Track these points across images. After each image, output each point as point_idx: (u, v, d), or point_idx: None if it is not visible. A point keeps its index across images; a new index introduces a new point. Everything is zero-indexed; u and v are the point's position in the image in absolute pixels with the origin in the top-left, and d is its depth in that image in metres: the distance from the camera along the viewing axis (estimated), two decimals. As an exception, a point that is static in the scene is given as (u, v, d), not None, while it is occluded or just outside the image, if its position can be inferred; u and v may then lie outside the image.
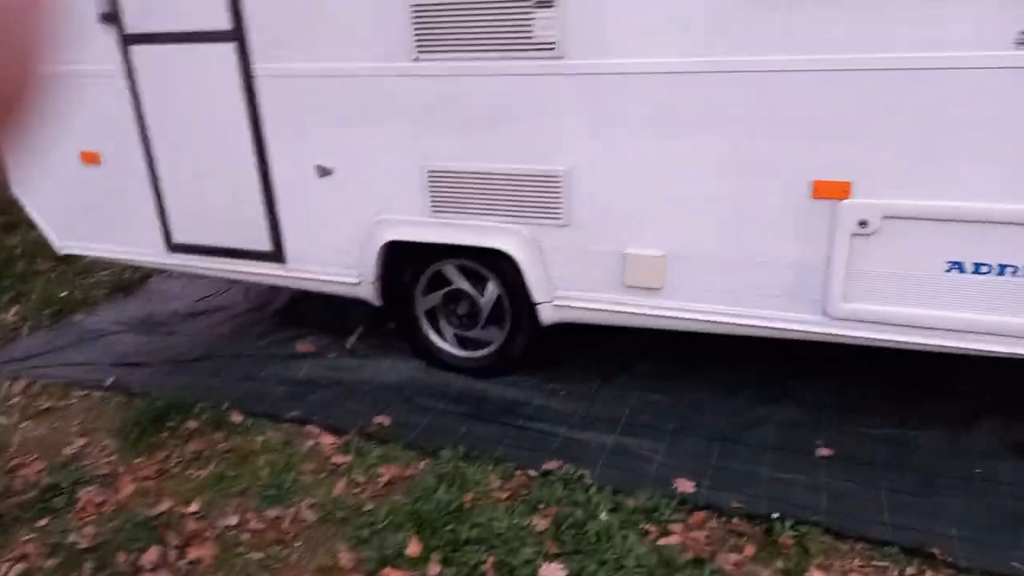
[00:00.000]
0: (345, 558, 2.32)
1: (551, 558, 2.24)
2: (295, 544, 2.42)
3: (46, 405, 3.38)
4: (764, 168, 2.53)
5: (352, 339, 3.74)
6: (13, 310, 4.44)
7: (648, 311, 2.88)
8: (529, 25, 2.61)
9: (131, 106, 3.37)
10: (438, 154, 2.94)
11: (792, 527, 2.33)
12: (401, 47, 2.81)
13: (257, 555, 2.38)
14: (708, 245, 2.71)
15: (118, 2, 3.18)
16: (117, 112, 3.39)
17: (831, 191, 2.48)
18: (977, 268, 2.39)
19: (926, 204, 2.38)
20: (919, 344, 2.55)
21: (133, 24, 3.20)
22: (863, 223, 2.46)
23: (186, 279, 4.61)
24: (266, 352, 3.73)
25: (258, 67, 3.07)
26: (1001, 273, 2.37)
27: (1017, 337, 2.41)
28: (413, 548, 2.32)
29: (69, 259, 4.04)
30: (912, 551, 2.22)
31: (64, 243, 3.91)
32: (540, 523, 2.40)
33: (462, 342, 3.41)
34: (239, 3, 2.98)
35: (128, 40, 3.24)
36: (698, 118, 2.55)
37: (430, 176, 2.99)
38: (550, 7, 2.56)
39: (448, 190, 2.98)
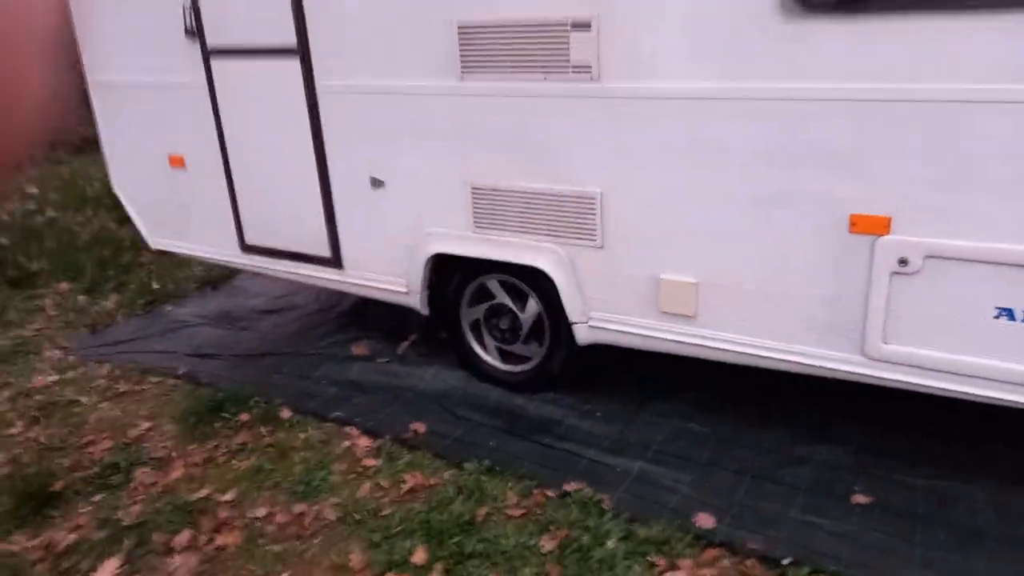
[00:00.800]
0: (355, 559, 2.42)
1: (551, 581, 2.25)
2: (313, 541, 2.54)
3: (123, 389, 3.68)
4: (800, 199, 2.44)
5: (404, 346, 3.87)
6: (113, 298, 4.86)
7: (681, 338, 2.84)
8: (566, 48, 2.63)
9: (211, 115, 3.62)
10: (481, 171, 3.01)
11: (808, 575, 2.24)
12: (448, 66, 2.89)
13: (277, 548, 2.51)
14: (742, 275, 2.64)
15: (201, 18, 3.43)
16: (200, 120, 3.66)
17: (870, 226, 2.37)
18: (1032, 316, 2.22)
19: (973, 245, 2.23)
20: (964, 393, 2.39)
21: (213, 39, 3.45)
22: (903, 261, 2.33)
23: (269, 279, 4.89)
24: (324, 352, 3.92)
25: (320, 82, 3.24)
26: (1060, 323, 2.19)
27: (1075, 393, 2.22)
28: (419, 556, 2.39)
29: (167, 253, 4.36)
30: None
31: (156, 239, 4.25)
32: (547, 544, 2.41)
33: (504, 356, 3.46)
34: (304, 21, 3.15)
35: (209, 53, 3.49)
36: (732, 144, 2.49)
37: (473, 192, 3.06)
38: (587, 30, 2.57)
39: (490, 206, 3.04)
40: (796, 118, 2.36)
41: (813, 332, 2.58)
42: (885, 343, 2.45)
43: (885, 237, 2.35)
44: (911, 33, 2.13)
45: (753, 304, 2.66)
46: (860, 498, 2.55)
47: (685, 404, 3.18)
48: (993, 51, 2.05)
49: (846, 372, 2.57)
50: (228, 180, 3.72)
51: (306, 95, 3.28)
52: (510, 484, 2.73)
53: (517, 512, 2.59)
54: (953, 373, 2.38)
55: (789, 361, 2.67)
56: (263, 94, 3.42)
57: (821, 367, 2.61)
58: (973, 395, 2.38)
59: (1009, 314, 2.24)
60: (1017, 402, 2.31)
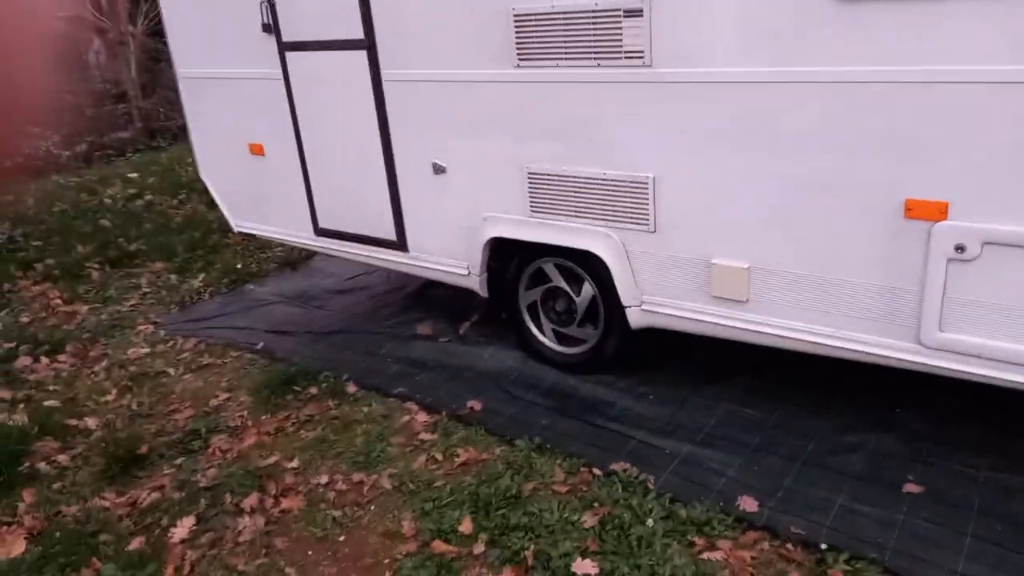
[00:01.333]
0: (407, 527, 2.56)
1: (589, 555, 2.33)
2: (369, 508, 2.70)
3: (207, 362, 3.95)
4: (853, 184, 2.40)
5: (466, 326, 3.99)
6: (201, 277, 5.19)
7: (733, 323, 2.84)
8: (619, 34, 2.66)
9: (287, 105, 3.82)
10: (537, 157, 3.08)
11: (847, 561, 2.23)
12: (504, 55, 2.96)
13: (336, 513, 2.68)
14: (794, 260, 2.62)
15: (276, 14, 3.62)
16: (276, 110, 3.86)
17: (926, 212, 2.31)
18: (1095, 305, 2.13)
19: (1034, 231, 2.15)
20: (1022, 383, 2.31)
21: (288, 33, 3.63)
22: (960, 248, 2.27)
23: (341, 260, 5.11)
24: (390, 331, 4.09)
25: (385, 72, 3.37)
26: (1123, 313, 2.09)
27: None
28: (466, 526, 2.51)
29: (249, 236, 4.64)
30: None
31: (238, 222, 4.51)
32: (589, 520, 2.48)
33: (560, 338, 3.53)
34: (370, 15, 3.28)
35: (284, 47, 3.68)
36: (784, 129, 2.47)
37: (530, 177, 3.13)
38: (639, 16, 2.59)
39: (546, 192, 3.11)
40: (848, 102, 2.33)
41: (866, 319, 2.54)
42: (941, 331, 2.39)
43: (942, 223, 2.29)
44: (965, 13, 2.06)
45: (805, 290, 2.64)
46: (912, 487, 2.51)
47: (738, 389, 3.18)
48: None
49: (900, 360, 2.53)
50: (303, 167, 3.92)
51: (372, 86, 3.42)
52: (559, 462, 2.81)
53: (563, 488, 2.67)
54: (1011, 363, 2.31)
55: (842, 348, 2.63)
56: (334, 85, 3.58)
57: (875, 354, 2.57)
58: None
59: (1072, 303, 2.16)
60: (1081, 395, 2.22)
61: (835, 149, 2.40)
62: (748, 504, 2.52)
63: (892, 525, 2.38)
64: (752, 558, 2.29)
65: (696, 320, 2.94)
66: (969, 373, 2.40)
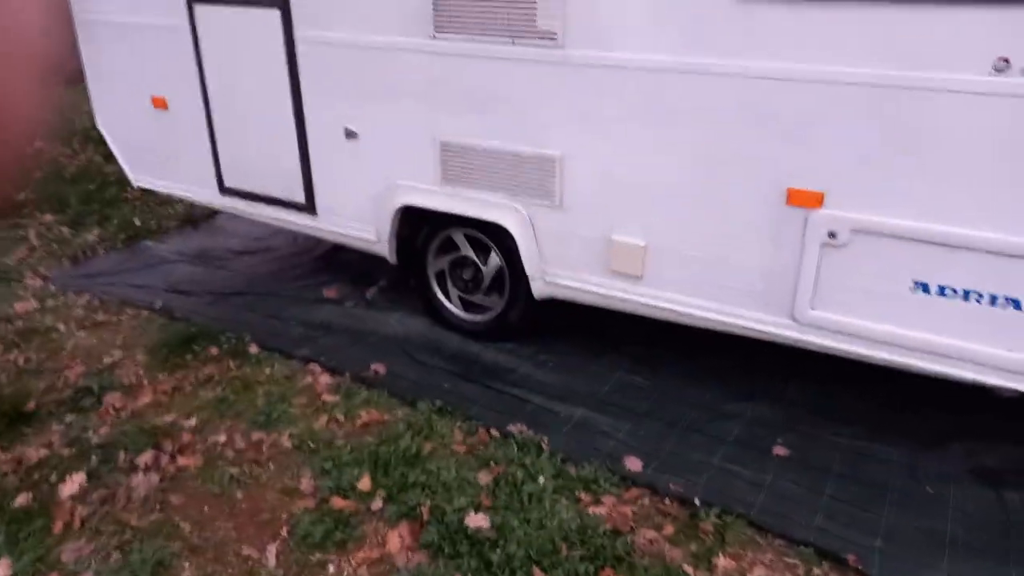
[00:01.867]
0: (305, 484, 2.61)
1: (482, 510, 2.44)
2: (268, 466, 2.72)
3: (101, 319, 3.83)
4: (742, 171, 2.58)
5: (372, 291, 4.02)
6: (95, 231, 4.97)
7: (629, 297, 3.00)
8: (534, 14, 2.73)
9: (193, 59, 3.70)
10: (449, 128, 3.13)
11: (717, 515, 2.44)
12: (420, 24, 2.99)
13: (234, 470, 2.69)
14: (687, 239, 2.79)
15: (185, -38, 3.50)
16: (182, 64, 3.74)
17: (805, 200, 2.51)
18: (942, 291, 2.38)
19: (893, 222, 2.38)
20: (882, 360, 2.57)
21: (197, -16, 3.51)
22: (833, 234, 2.49)
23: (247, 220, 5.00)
24: (295, 294, 4.07)
25: (298, 33, 3.32)
26: (965, 298, 2.35)
27: (978, 364, 2.40)
28: (364, 483, 2.58)
29: (152, 191, 4.45)
30: (826, 554, 2.29)
31: (138, 177, 4.35)
32: (484, 478, 2.60)
33: (466, 305, 3.62)
34: (284, -28, 3.22)
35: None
36: (682, 116, 2.62)
37: (442, 148, 3.18)
38: (552, -3, 2.67)
39: (457, 163, 3.17)
40: (741, 95, 2.49)
41: (748, 296, 2.74)
42: (812, 309, 2.62)
43: (818, 211, 2.50)
44: (853, 20, 2.25)
45: (695, 267, 2.81)
46: (780, 451, 2.74)
47: (632, 358, 3.35)
48: (930, 39, 2.17)
49: (777, 335, 2.74)
50: (208, 124, 3.82)
51: (285, 45, 3.37)
52: (458, 423, 2.91)
53: (461, 449, 2.77)
54: (873, 340, 2.55)
55: (726, 323, 2.83)
56: (245, 43, 3.50)
57: (755, 329, 2.78)
58: (890, 361, 2.55)
59: (924, 288, 2.41)
60: (929, 369, 2.49)
61: (728, 138, 2.56)
62: (633, 464, 2.69)
63: (760, 485, 2.60)
64: (633, 512, 2.46)
65: (595, 293, 3.08)
66: (836, 348, 2.64)
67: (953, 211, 2.30)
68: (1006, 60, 2.10)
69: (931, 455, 2.72)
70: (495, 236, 3.28)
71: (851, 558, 2.26)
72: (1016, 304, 2.26)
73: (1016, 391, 2.36)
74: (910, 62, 2.22)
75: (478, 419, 2.95)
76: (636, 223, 2.87)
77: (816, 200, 2.50)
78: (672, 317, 2.95)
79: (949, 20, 2.14)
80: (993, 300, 2.29)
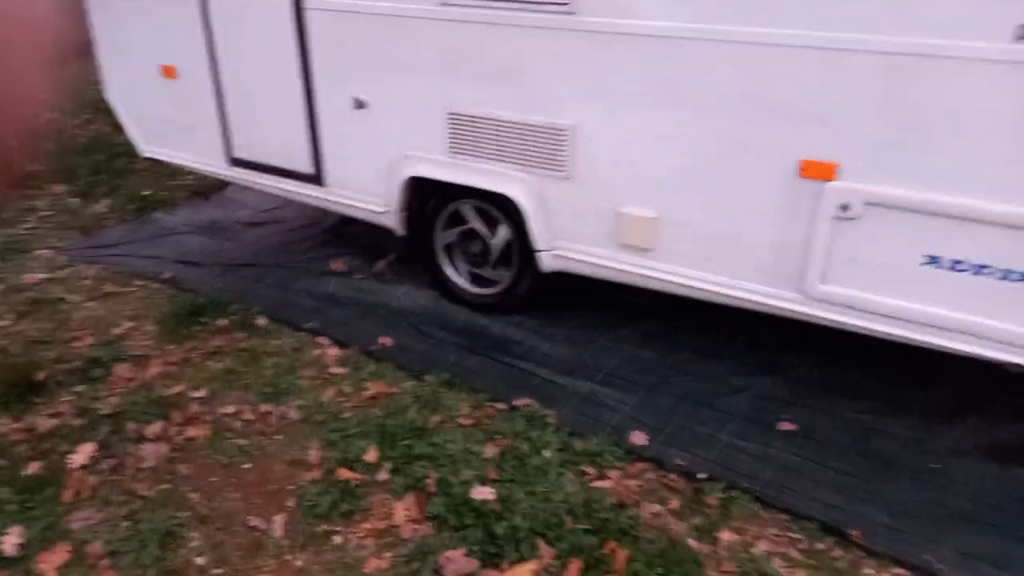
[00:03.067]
0: (312, 455, 2.62)
1: (488, 483, 2.45)
2: (276, 437, 2.74)
3: (110, 290, 3.84)
4: (756, 142, 2.54)
5: (381, 264, 4.01)
6: (105, 202, 4.98)
7: (638, 270, 2.97)
8: (542, -21, 2.68)
9: (202, 27, 3.66)
10: (458, 98, 3.09)
11: (722, 490, 2.43)
12: (428, -10, 2.94)
13: (242, 441, 2.71)
14: (698, 212, 2.75)
15: (190, -71, 3.45)
16: (191, 32, 3.70)
17: (817, 172, 2.47)
18: (954, 265, 2.34)
19: (907, 195, 2.34)
20: (892, 335, 2.54)
21: (202, -50, 3.47)
22: (845, 207, 2.45)
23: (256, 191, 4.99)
24: (304, 266, 4.06)
25: (308, 1, 3.28)
26: (978, 273, 2.31)
27: (989, 339, 2.37)
28: (371, 455, 2.59)
29: (158, 161, 4.45)
30: (829, 528, 2.28)
31: (147, 147, 4.34)
32: (490, 451, 2.60)
33: (473, 278, 3.60)
34: (290, -63, 3.17)
35: (198, -35, 3.51)
36: (699, 86, 2.57)
37: (450, 118, 3.14)
38: (562, -38, 2.61)
39: (466, 133, 3.13)
40: (760, 63, 2.44)
41: (759, 270, 2.71)
42: (823, 284, 2.58)
43: (831, 183, 2.45)
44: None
45: (706, 240, 2.78)
46: (786, 425, 2.73)
47: (640, 332, 3.34)
48: (948, 6, 2.11)
49: (786, 309, 2.71)
50: (217, 94, 3.79)
51: (295, 13, 3.32)
52: (465, 396, 2.91)
53: (468, 422, 2.77)
54: (883, 315, 2.52)
55: (736, 297, 2.81)
56: (254, 10, 3.45)
57: (764, 303, 2.75)
58: (900, 336, 2.52)
59: (936, 262, 2.37)
60: (939, 345, 2.46)
61: (744, 108, 2.51)
62: (639, 438, 2.69)
63: (766, 459, 2.59)
64: (638, 486, 2.47)
65: (604, 266, 3.06)
66: (846, 323, 2.61)
67: (967, 183, 2.25)
68: (1029, 28, 2.04)
69: (939, 430, 2.71)
70: (504, 208, 3.25)
71: (855, 533, 2.26)
72: (1032, 279, 2.22)
73: (1028, 368, 2.33)
74: (927, 29, 2.16)
75: (485, 392, 2.95)
76: (647, 195, 2.83)
77: (829, 172, 2.45)
78: (681, 291, 2.92)
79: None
80: (1006, 275, 2.25)
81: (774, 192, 2.57)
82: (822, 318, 2.65)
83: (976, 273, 2.31)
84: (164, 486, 2.53)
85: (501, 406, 2.87)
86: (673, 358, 3.17)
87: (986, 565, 2.17)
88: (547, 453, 2.58)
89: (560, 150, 2.94)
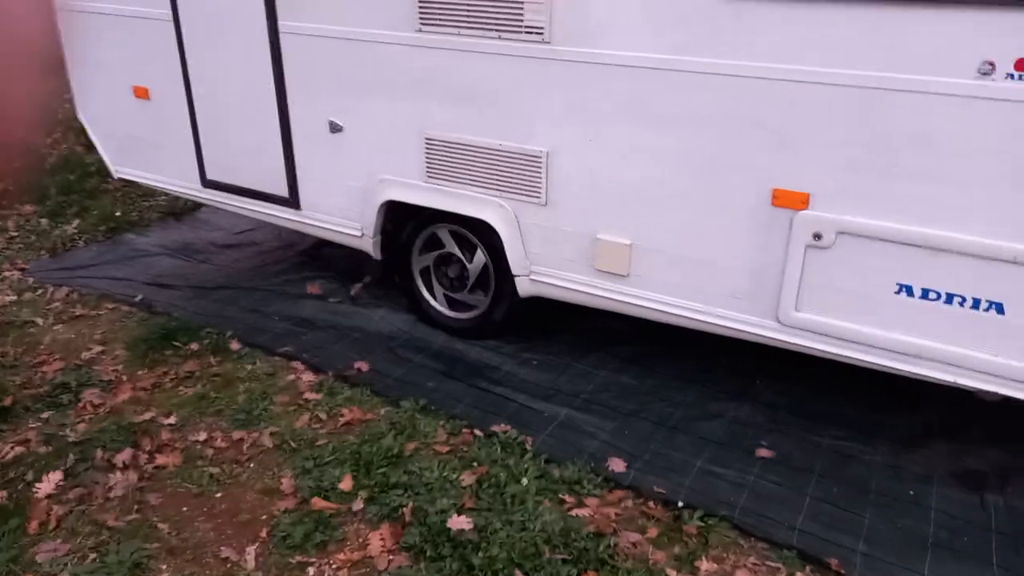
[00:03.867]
0: (286, 484, 2.58)
1: (465, 511, 2.42)
2: (248, 465, 2.69)
3: (79, 312, 3.77)
4: (729, 171, 2.57)
5: (357, 287, 3.98)
6: (75, 223, 4.90)
7: (614, 296, 2.98)
8: (520, 8, 2.70)
9: (176, 48, 3.64)
10: (435, 123, 3.09)
11: (700, 518, 2.43)
12: (406, 18, 2.95)
13: (214, 469, 2.66)
14: (673, 239, 2.77)
15: (167, -49, 3.43)
16: (165, 53, 3.68)
17: (790, 201, 2.50)
18: (926, 293, 2.38)
19: (879, 224, 2.38)
20: (866, 362, 2.57)
21: (179, -27, 3.45)
22: (818, 236, 2.48)
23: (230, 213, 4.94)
24: (279, 289, 4.02)
25: (283, 24, 3.27)
26: (949, 302, 2.35)
27: (959, 367, 2.40)
28: (346, 483, 2.55)
29: (133, 182, 4.38)
30: (808, 558, 2.29)
31: (119, 168, 4.29)
32: (467, 479, 2.58)
33: (450, 303, 3.59)
34: (268, -38, 3.17)
35: (175, -13, 3.50)
36: (669, 115, 2.60)
37: (427, 143, 3.14)
38: (540, -8, 2.64)
39: (442, 158, 3.14)
40: (730, 95, 2.47)
41: (734, 297, 2.74)
42: (797, 311, 2.61)
43: (803, 212, 2.49)
44: (839, 20, 2.23)
45: (681, 267, 2.80)
46: (764, 452, 2.74)
47: (617, 358, 3.34)
48: (916, 42, 2.16)
49: (761, 336, 2.74)
50: (191, 115, 3.76)
51: (269, 36, 3.32)
52: (442, 423, 2.89)
53: (444, 448, 2.75)
54: (856, 342, 2.55)
55: (711, 323, 2.82)
56: (228, 33, 3.44)
57: (740, 330, 2.77)
58: (873, 364, 2.55)
59: (908, 290, 2.41)
60: (911, 372, 2.49)
61: (714, 138, 2.55)
62: (617, 465, 2.68)
63: (743, 486, 2.60)
64: (616, 514, 2.46)
65: (581, 292, 3.06)
66: (820, 350, 2.63)
67: (938, 214, 2.29)
68: (992, 64, 2.09)
69: (914, 456, 2.73)
70: (480, 233, 3.25)
71: (833, 562, 2.27)
72: (999, 308, 2.26)
73: (998, 395, 2.37)
74: (897, 64, 2.21)
75: (462, 418, 2.93)
76: (622, 222, 2.85)
77: (801, 201, 2.49)
78: (658, 317, 2.94)
79: (935, 22, 2.13)
80: (976, 304, 2.30)
81: (748, 220, 2.60)
82: (797, 345, 2.67)
83: (947, 302, 2.35)
84: (133, 516, 2.47)
85: (478, 432, 2.85)
86: (651, 383, 3.18)
87: None
88: (525, 481, 2.56)
89: (535, 176, 2.95)
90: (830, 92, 2.33)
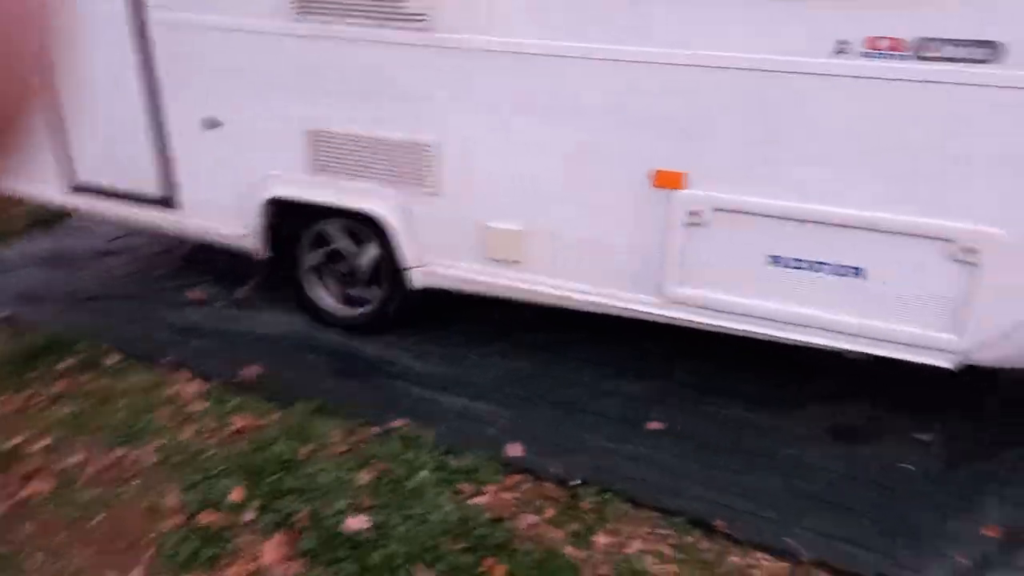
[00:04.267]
0: (172, 500, 2.47)
1: (363, 511, 2.38)
2: (132, 483, 2.56)
3: (-66, 335, 3.47)
4: (611, 154, 2.62)
5: (244, 289, 3.84)
6: (-71, 237, 4.50)
7: (508, 283, 2.99)
8: (397, -6, 2.65)
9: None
10: (318, 115, 3.00)
11: (596, 493, 2.48)
12: (282, 5, 2.84)
13: (93, 492, 2.51)
14: (562, 223, 2.81)
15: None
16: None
17: (668, 181, 2.57)
18: (794, 263, 2.50)
19: (750, 200, 2.48)
20: (746, 331, 2.68)
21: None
22: (695, 213, 2.56)
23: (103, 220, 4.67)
24: (159, 296, 3.83)
25: (153, 14, 3.10)
26: (814, 269, 2.48)
27: (829, 331, 2.54)
28: (236, 495, 2.46)
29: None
30: (697, 522, 2.37)
31: (-28, 176, 3.95)
32: (364, 477, 2.54)
33: (345, 299, 3.51)
34: (124, -50, 2.99)
35: (19, -22, 3.24)
36: (553, 100, 2.63)
37: (310, 136, 3.05)
38: (414, -21, 2.60)
39: (328, 151, 3.05)
40: (610, 80, 2.52)
41: (621, 277, 2.80)
42: (679, 287, 2.69)
43: (680, 191, 2.56)
44: (708, 3, 2.31)
45: (571, 251, 2.84)
46: (656, 424, 2.82)
47: (514, 345, 3.36)
48: (777, 23, 2.25)
49: (649, 313, 2.81)
50: (56, 113, 3.51)
51: (138, 27, 3.13)
52: (338, 423, 2.83)
53: (341, 449, 2.69)
54: (735, 313, 2.66)
55: (602, 304, 2.88)
56: (91, 21, 3.22)
57: (628, 308, 2.83)
58: (750, 333, 2.66)
59: (778, 261, 2.52)
60: (787, 338, 2.61)
61: (596, 122, 2.60)
62: (514, 450, 2.70)
63: (638, 459, 2.67)
64: (515, 499, 2.47)
65: (475, 280, 3.06)
66: (704, 323, 2.73)
67: (802, 188, 2.41)
68: (845, 43, 2.21)
69: (793, 418, 2.87)
70: (371, 226, 3.19)
71: (719, 523, 2.35)
72: (859, 273, 2.40)
73: (867, 355, 2.52)
74: (762, 45, 2.30)
75: (359, 416, 2.87)
76: (512, 208, 2.86)
77: (678, 181, 2.56)
78: (551, 301, 2.97)
79: (794, 6, 2.22)
80: (838, 270, 2.43)
81: (631, 202, 2.65)
82: (682, 320, 2.76)
83: (813, 270, 2.48)
84: (3, 550, 2.30)
85: (376, 429, 2.81)
86: (547, 368, 3.21)
87: (842, 544, 2.30)
88: (424, 474, 2.54)
89: (424, 166, 2.92)
90: (700, 74, 2.40)
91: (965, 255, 2.29)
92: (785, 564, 2.22)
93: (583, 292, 2.88)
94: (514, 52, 2.63)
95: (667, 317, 2.77)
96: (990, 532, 2.31)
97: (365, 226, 3.21)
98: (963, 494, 2.46)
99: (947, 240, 2.30)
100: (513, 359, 3.26)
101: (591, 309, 2.91)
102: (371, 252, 3.28)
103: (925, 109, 2.19)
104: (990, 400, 2.89)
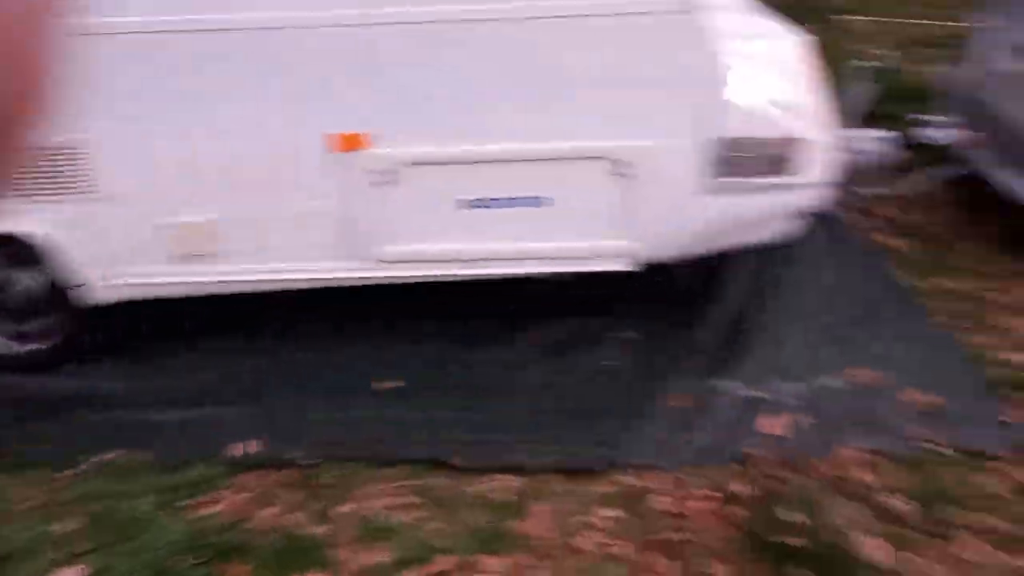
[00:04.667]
0: None
1: (76, 559, 2.10)
2: None
3: None
4: (279, 125, 2.54)
5: None
6: None
7: (207, 278, 2.79)
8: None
9: None
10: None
11: (338, 467, 2.43)
12: None
13: None
14: (254, 206, 2.67)
15: None
16: None
17: (349, 143, 2.54)
18: (482, 203, 2.62)
19: (431, 149, 2.55)
20: (456, 276, 2.76)
21: None
22: (385, 172, 2.56)
23: None
24: None
25: None
26: (500, 206, 2.61)
27: (525, 259, 2.70)
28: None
29: None
30: (437, 463, 2.42)
31: None
32: (73, 523, 2.24)
33: (20, 336, 3.04)
34: None
35: None
36: (213, 77, 2.47)
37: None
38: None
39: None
40: (255, 48, 2.41)
41: (327, 247, 2.73)
42: (386, 245, 2.69)
43: (365, 151, 2.55)
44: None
45: (269, 232, 2.72)
46: (388, 384, 2.81)
47: (226, 343, 3.12)
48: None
49: (365, 277, 2.78)
50: None
51: None
52: (29, 474, 2.46)
53: (37, 503, 2.34)
54: (442, 260, 2.72)
55: (313, 279, 2.80)
56: None
57: (341, 277, 2.78)
58: (461, 276, 2.75)
59: (470, 204, 2.62)
60: (492, 274, 2.74)
61: (263, 95, 2.51)
62: (249, 447, 2.54)
63: (372, 421, 2.64)
64: (251, 496, 2.34)
65: (168, 283, 2.81)
66: (412, 276, 2.78)
67: (477, 130, 2.52)
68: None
69: (511, 346, 3.00)
70: (30, 248, 2.78)
71: (454, 460, 2.42)
72: (535, 201, 2.57)
73: (560, 274, 2.72)
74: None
75: (58, 460, 2.52)
76: (195, 199, 2.66)
77: (359, 142, 2.54)
78: (258, 287, 2.83)
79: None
80: (519, 202, 2.59)
81: (313, 170, 2.60)
82: (393, 277, 2.77)
83: (500, 206, 2.61)
84: None
85: (84, 467, 2.48)
86: (272, 357, 3.04)
87: (604, 449, 2.47)
88: (145, 500, 2.30)
89: (80, 169, 2.60)
90: (367, 32, 2.39)
91: (623, 169, 2.55)
92: (514, 477, 2.34)
93: (292, 271, 2.78)
94: (143, 31, 2.43)
95: (383, 278, 2.77)
96: (679, 402, 2.62)
97: (22, 250, 2.78)
98: (656, 375, 2.77)
99: (605, 159, 2.53)
100: (228, 358, 3.03)
101: (305, 286, 2.82)
102: (37, 277, 2.86)
103: (547, 43, 2.37)
104: (670, 290, 3.22)
